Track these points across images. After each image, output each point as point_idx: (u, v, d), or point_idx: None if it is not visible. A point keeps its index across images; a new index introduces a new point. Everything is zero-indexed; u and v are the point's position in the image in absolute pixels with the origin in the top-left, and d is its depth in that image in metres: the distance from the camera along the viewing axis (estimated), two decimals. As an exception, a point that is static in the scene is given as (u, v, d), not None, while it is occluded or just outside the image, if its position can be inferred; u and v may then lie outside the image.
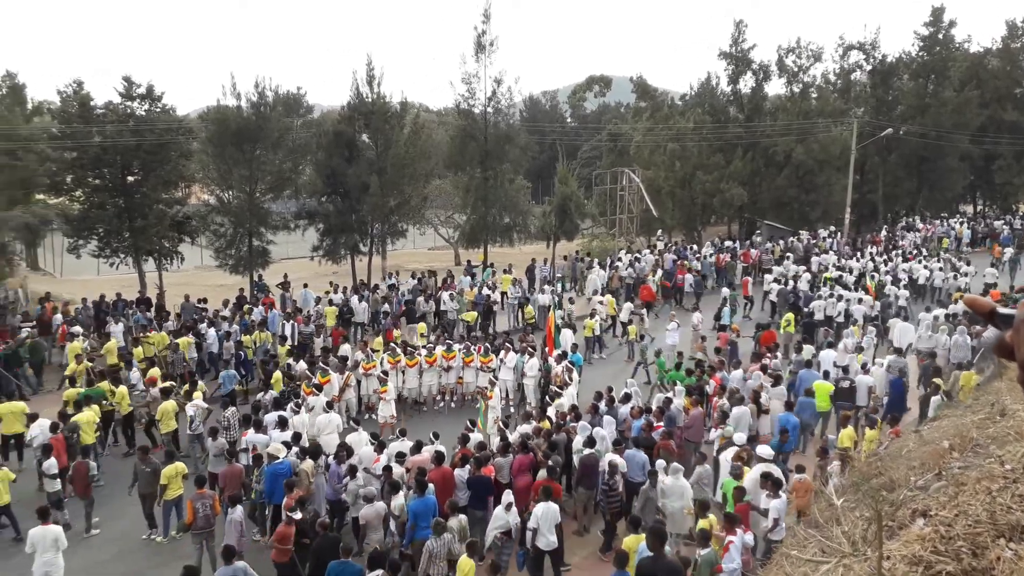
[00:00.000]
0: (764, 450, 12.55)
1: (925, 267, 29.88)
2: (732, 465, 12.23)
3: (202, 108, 32.95)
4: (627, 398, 16.05)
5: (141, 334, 21.81)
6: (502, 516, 11.22)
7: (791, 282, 27.33)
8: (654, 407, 15.63)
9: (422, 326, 23.42)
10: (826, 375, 17.59)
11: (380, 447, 13.60)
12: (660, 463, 12.40)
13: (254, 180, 27.56)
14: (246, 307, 24.16)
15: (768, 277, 28.74)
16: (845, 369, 17.62)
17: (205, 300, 25.43)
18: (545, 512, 11.09)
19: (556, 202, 35.09)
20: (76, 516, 13.58)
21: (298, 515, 11.11)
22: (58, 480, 13.59)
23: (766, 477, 11.34)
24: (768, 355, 18.84)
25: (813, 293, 26.16)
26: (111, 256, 27.56)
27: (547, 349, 20.14)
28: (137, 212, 26.86)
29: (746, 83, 44.89)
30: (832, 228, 41.41)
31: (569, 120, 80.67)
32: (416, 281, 28.04)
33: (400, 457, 13.01)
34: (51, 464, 13.52)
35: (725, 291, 26.57)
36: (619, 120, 62.00)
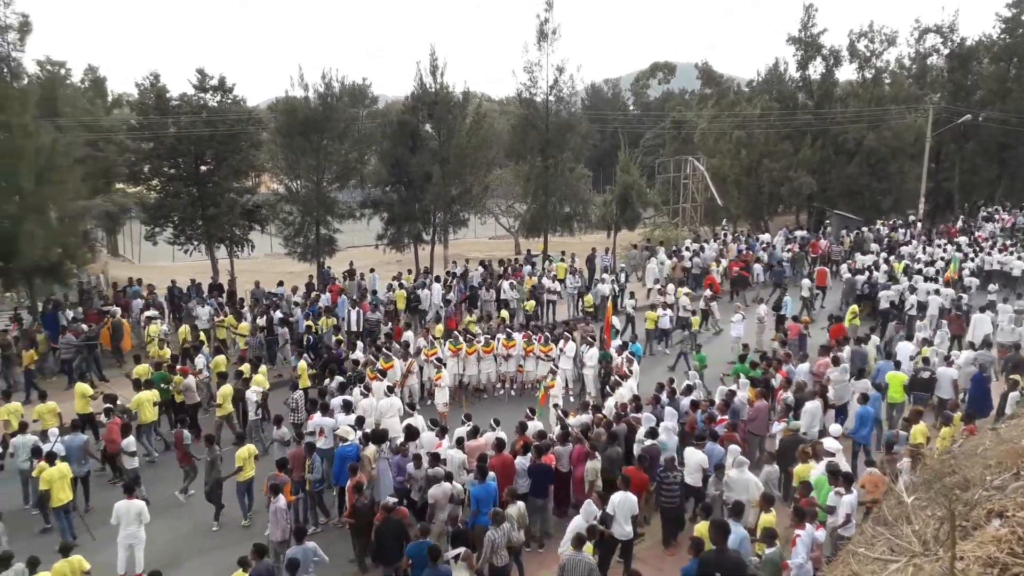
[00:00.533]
0: (831, 444, 12.28)
1: (1019, 258, 28.92)
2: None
3: (271, 99, 33.80)
4: (688, 390, 15.90)
5: (214, 319, 22.68)
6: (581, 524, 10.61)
7: (868, 273, 26.52)
8: (717, 400, 15.46)
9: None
10: (897, 365, 17.08)
11: (442, 432, 13.81)
12: (739, 457, 12.26)
13: (321, 170, 28.16)
14: (314, 294, 24.81)
15: (844, 268, 28.08)
16: (926, 360, 17.08)
17: (281, 283, 26.14)
18: (623, 501, 11.04)
19: (617, 191, 34.87)
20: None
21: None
22: (136, 458, 14.24)
23: (834, 472, 11.11)
24: (837, 348, 18.37)
25: (890, 284, 25.35)
26: (185, 243, 28.67)
27: (606, 339, 20.10)
28: (209, 201, 27.82)
29: (816, 69, 43.68)
30: (912, 217, 40.00)
31: (632, 108, 79.78)
32: (483, 269, 28.23)
33: (459, 442, 13.20)
34: (130, 442, 14.17)
35: (806, 282, 26.02)
36: (683, 107, 61.06)
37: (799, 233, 35.41)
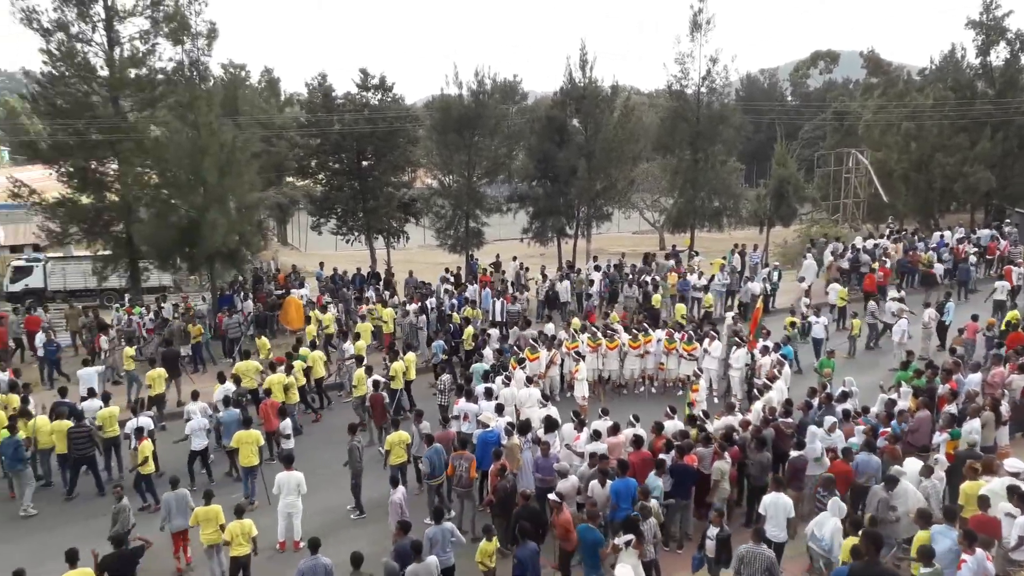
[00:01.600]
0: (1015, 464, 11.29)
1: None
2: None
3: (428, 97, 35.21)
4: (844, 396, 15.11)
5: (368, 306, 24.02)
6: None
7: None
8: (875, 409, 14.60)
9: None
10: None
11: (580, 425, 13.91)
12: (895, 467, 11.60)
13: (472, 165, 29.07)
14: (461, 284, 25.72)
15: (1016, 272, 25.41)
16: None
17: (448, 269, 27.48)
18: (775, 502, 10.84)
19: (772, 185, 33.43)
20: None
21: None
22: (292, 439, 15.31)
23: (1012, 491, 10.24)
24: (1015, 356, 16.77)
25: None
26: (347, 234, 30.57)
27: (752, 340, 19.36)
28: (370, 194, 29.50)
29: (998, 54, 39.70)
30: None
31: (789, 98, 76.21)
32: (634, 265, 28.03)
33: (596, 435, 13.27)
34: (286, 424, 15.31)
35: (1001, 284, 23.79)
36: (846, 97, 57.59)
37: (984, 232, 32.06)
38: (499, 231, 35.97)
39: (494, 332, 21.32)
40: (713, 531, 10.46)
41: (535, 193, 31.24)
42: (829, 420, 13.45)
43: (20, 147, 33.24)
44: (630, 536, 9.89)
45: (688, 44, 31.40)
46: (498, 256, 29.98)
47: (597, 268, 27.09)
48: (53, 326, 23.04)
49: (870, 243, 29.94)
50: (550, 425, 13.51)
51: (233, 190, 23.47)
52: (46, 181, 26.60)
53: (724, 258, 28.20)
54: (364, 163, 30.19)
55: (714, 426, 13.97)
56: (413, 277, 26.94)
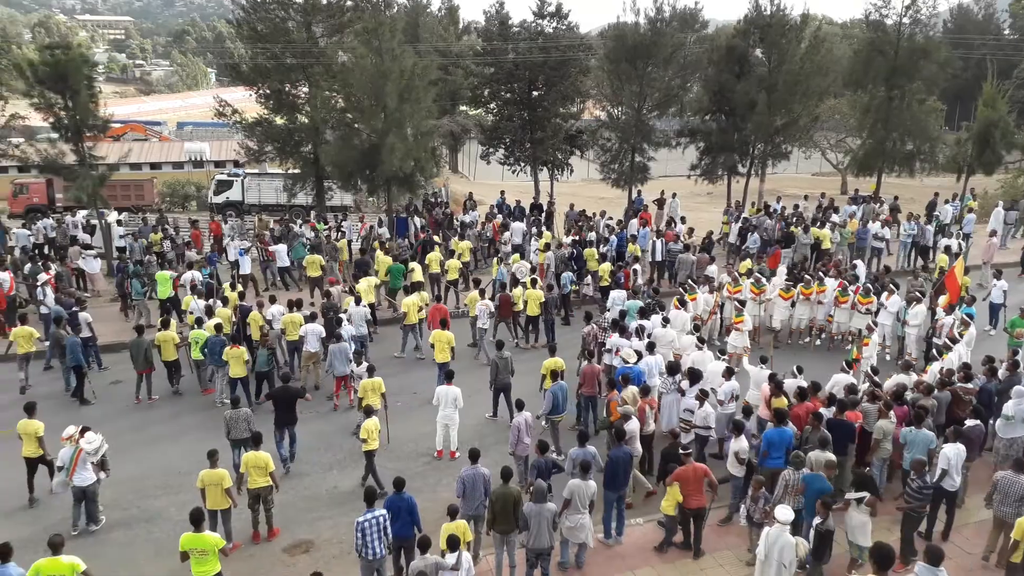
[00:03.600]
0: None
1: None
2: None
3: (603, 25, 34.47)
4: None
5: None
6: None
7: None
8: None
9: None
10: None
11: (728, 372, 13.56)
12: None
13: (643, 96, 28.35)
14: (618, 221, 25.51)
15: None
16: None
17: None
18: (957, 453, 10.70)
19: (976, 128, 30.03)
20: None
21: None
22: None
23: None
24: None
25: None
26: (514, 164, 31.05)
27: (941, 298, 17.91)
28: (538, 125, 29.67)
29: None
30: None
31: (1007, 32, 67.35)
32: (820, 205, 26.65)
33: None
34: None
35: None
36: (1081, 29, 50.03)
37: None
38: (665, 167, 35.04)
39: (638, 267, 21.27)
40: (816, 520, 9.69)
41: (707, 127, 30.07)
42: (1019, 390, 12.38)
43: (225, 69, 36.26)
44: (862, 494, 9.90)
45: (895, -32, 28.48)
46: (663, 192, 29.36)
47: (769, 212, 25.89)
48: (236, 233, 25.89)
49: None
50: (694, 376, 13.30)
51: (411, 116, 24.30)
52: (247, 102, 29.04)
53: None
54: (534, 93, 30.29)
55: (886, 384, 13.30)
56: (573, 210, 27.07)
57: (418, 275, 20.56)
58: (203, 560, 9.09)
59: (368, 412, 12.32)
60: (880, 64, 29.56)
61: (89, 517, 11.57)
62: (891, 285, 18.36)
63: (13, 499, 12.35)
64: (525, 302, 18.71)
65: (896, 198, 29.44)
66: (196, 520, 9.14)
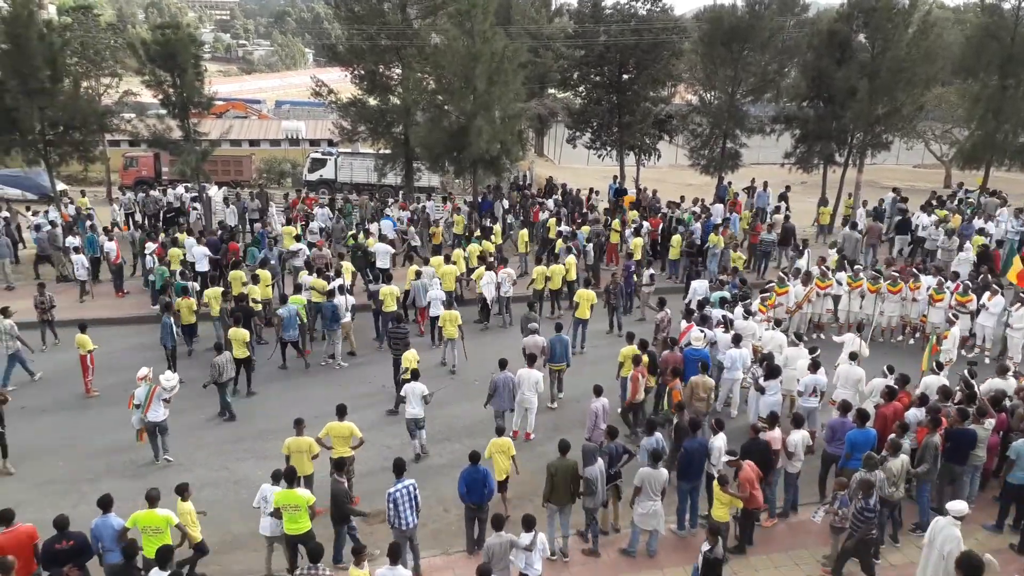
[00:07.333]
0: None
1: None
2: None
3: (698, 7, 33.71)
4: None
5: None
6: None
7: None
8: None
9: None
10: None
11: (814, 366, 13.22)
12: None
13: (737, 81, 27.66)
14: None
15: None
16: None
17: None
18: None
19: (1102, 120, 27.99)
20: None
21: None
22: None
23: None
24: None
25: None
26: (600, 148, 30.85)
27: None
28: (626, 109, 29.36)
29: None
30: None
31: None
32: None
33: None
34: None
35: None
36: None
37: None
38: (757, 154, 34.07)
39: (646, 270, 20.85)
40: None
41: (804, 114, 29.00)
42: None
43: (322, 50, 37.32)
44: None
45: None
46: (753, 181, 28.61)
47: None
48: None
49: None
50: (772, 371, 13.04)
51: (499, 99, 24.45)
52: (342, 83, 29.87)
53: None
54: (624, 76, 29.96)
55: (982, 389, 12.71)
56: (652, 196, 26.77)
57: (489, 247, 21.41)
58: (295, 516, 9.63)
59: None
60: (994, 50, 27.80)
61: (164, 448, 13.02)
62: (995, 285, 17.44)
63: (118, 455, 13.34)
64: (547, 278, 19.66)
65: (995, 193, 27.85)
66: (290, 477, 9.90)
